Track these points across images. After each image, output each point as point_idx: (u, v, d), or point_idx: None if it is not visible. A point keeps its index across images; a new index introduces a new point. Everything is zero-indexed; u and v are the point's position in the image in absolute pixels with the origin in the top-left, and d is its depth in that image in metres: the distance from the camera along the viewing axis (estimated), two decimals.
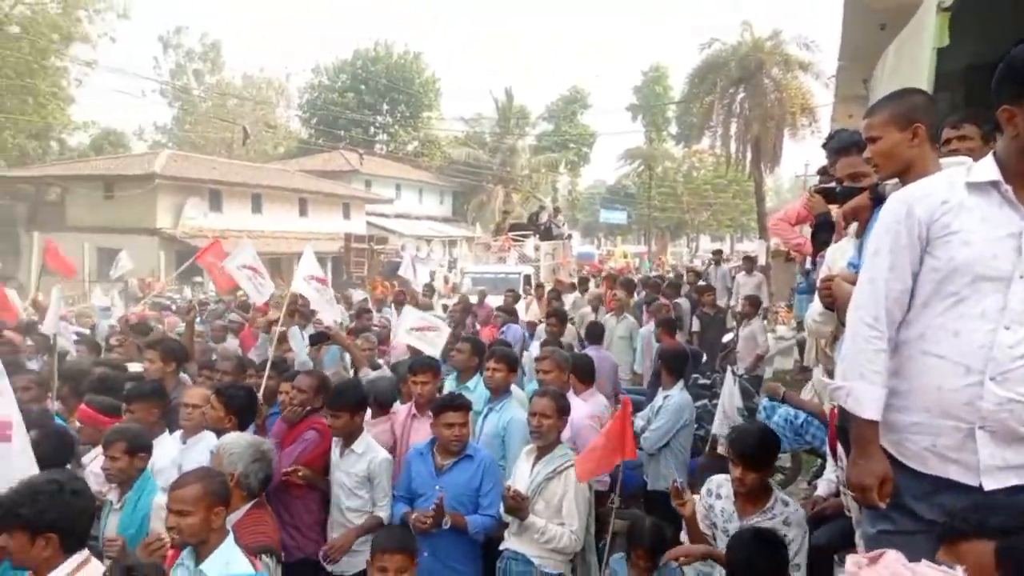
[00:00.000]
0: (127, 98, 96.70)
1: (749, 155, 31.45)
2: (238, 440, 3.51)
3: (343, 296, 13.07)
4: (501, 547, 3.90)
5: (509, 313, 9.49)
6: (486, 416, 4.67)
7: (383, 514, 3.99)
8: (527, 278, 17.94)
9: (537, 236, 22.32)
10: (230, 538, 2.89)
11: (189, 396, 4.28)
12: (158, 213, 25.32)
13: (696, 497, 3.54)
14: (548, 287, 14.90)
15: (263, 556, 3.15)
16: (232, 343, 8.44)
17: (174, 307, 14.45)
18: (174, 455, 4.05)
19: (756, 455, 3.30)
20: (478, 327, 9.63)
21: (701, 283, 12.81)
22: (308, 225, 30.75)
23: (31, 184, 27.56)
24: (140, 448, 3.59)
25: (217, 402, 4.04)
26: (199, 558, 2.80)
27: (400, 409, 4.82)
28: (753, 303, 9.63)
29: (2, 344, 6.63)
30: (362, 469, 4.01)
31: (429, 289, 14.29)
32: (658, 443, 5.20)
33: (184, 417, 4.18)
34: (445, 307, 13.85)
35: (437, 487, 3.90)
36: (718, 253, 18.66)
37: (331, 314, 6.86)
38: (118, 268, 15.72)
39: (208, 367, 5.73)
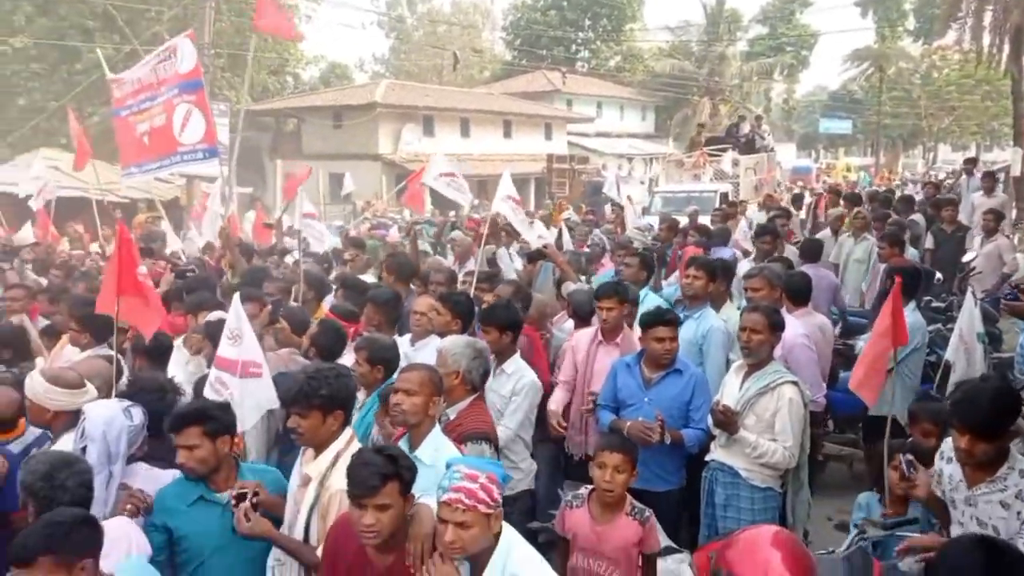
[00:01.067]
0: (349, 31, 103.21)
1: (1006, 49, 26.97)
2: (458, 341, 3.81)
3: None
4: (708, 458, 3.94)
5: (711, 235, 8.95)
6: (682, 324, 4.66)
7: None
8: (723, 196, 16.35)
9: (736, 150, 20.36)
10: (438, 427, 3.21)
11: (418, 304, 4.70)
12: (379, 139, 27.19)
13: (931, 471, 3.04)
14: (752, 204, 14.05)
15: (481, 442, 3.45)
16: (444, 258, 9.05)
17: (395, 226, 15.67)
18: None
19: (988, 423, 2.64)
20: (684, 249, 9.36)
21: (941, 196, 11.45)
22: (512, 147, 31.47)
23: (272, 116, 30.65)
24: (380, 360, 3.85)
25: (443, 308, 4.40)
26: (413, 446, 3.11)
27: (582, 335, 4.74)
28: (996, 216, 8.54)
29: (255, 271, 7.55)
30: (508, 390, 4.06)
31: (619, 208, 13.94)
32: None
33: (414, 323, 4.61)
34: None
35: (646, 399, 4.00)
36: (971, 162, 15.59)
37: (528, 233, 7.16)
38: (344, 189, 17.40)
39: (423, 279, 6.22)
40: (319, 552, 2.78)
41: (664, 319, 4.04)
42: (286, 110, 30.10)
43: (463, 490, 2.35)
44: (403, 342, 4.67)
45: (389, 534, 2.49)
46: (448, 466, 2.50)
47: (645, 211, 11.91)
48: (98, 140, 12.71)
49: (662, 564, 3.41)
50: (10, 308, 5.68)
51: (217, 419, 2.92)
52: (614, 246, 8.12)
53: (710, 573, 3.00)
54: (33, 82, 23.34)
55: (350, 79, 44.37)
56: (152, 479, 3.08)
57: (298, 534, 2.89)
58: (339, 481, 2.71)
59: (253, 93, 28.27)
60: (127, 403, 3.08)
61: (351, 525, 2.54)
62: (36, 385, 3.24)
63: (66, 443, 3.09)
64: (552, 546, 3.48)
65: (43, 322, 5.78)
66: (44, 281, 7.57)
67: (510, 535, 2.52)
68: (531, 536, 2.65)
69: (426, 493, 2.61)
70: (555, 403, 4.53)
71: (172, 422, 2.90)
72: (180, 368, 4.33)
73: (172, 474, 3.06)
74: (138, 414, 3.05)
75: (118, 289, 3.73)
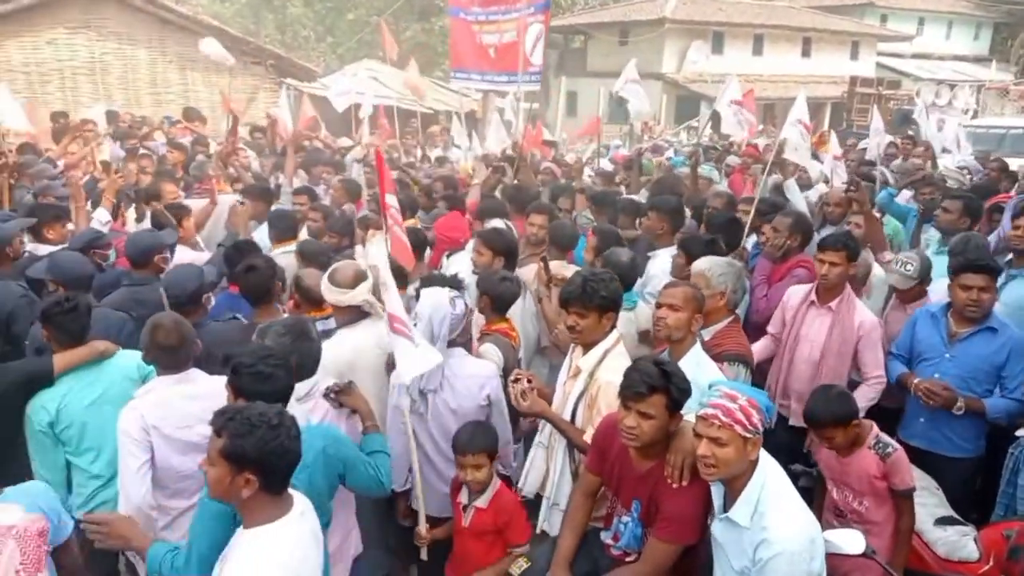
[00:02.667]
0: None
1: None
2: (720, 261, 3.76)
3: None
4: (1019, 433, 3.45)
5: None
6: (1005, 285, 4.03)
7: None
8: None
9: None
10: (698, 344, 3.24)
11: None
12: (664, 58, 26.46)
13: None
14: None
15: (738, 364, 3.42)
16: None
17: (671, 148, 15.31)
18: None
19: None
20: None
21: None
22: (810, 67, 28.78)
23: (560, 33, 31.15)
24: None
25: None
26: (673, 359, 3.12)
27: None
28: None
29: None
30: None
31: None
32: None
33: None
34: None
35: (947, 355, 3.59)
36: None
37: (809, 164, 6.59)
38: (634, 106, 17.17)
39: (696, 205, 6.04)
40: (586, 437, 2.97)
41: (976, 265, 3.54)
42: (575, 26, 30.35)
43: (720, 407, 2.37)
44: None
45: (649, 442, 2.57)
46: (710, 387, 2.50)
47: (945, 150, 10.09)
48: (409, 53, 13.91)
49: (941, 533, 3.14)
50: (336, 200, 6.54)
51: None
52: (916, 183, 7.10)
53: (1007, 551, 2.67)
54: None
55: None
56: None
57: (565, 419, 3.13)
58: (606, 374, 2.98)
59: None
60: (455, 294, 3.36)
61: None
62: (324, 285, 3.56)
63: (345, 336, 3.49)
64: (811, 493, 3.37)
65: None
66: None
67: (768, 465, 2.47)
68: (792, 479, 2.56)
69: (684, 409, 2.63)
70: (756, 352, 3.99)
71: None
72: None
73: None
74: (460, 304, 3.35)
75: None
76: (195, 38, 13.82)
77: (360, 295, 3.53)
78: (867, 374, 3.81)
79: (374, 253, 3.36)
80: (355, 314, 3.56)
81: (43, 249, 4.52)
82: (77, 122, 8.82)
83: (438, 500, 3.34)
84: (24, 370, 3.15)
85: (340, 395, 2.99)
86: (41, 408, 3.06)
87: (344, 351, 3.42)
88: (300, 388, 2.82)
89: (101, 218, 5.32)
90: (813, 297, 3.96)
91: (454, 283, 3.42)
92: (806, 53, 29.51)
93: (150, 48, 13.70)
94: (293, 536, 2.10)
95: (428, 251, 5.20)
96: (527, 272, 4.52)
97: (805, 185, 7.39)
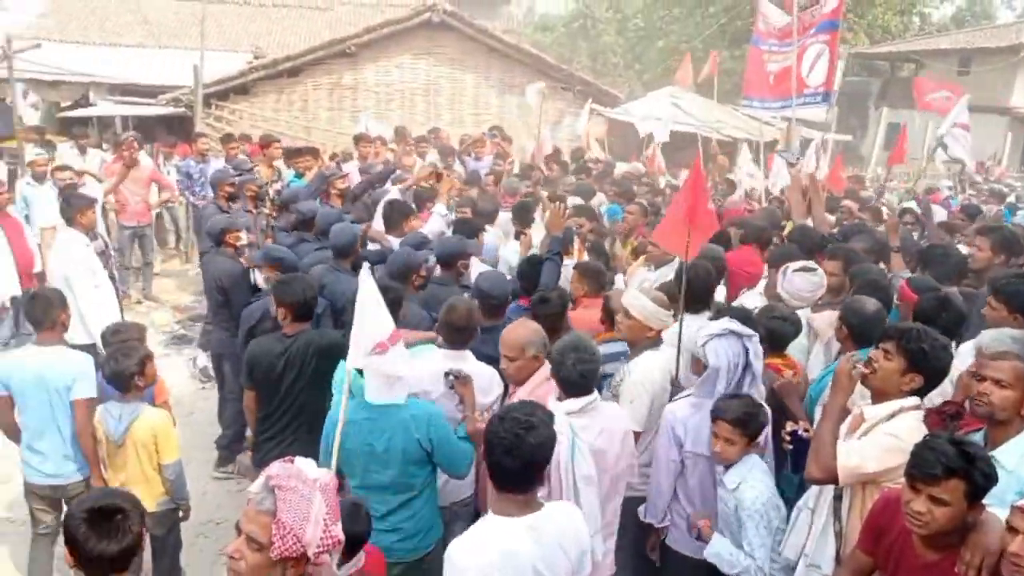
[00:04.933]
0: None
1: None
2: None
3: None
4: None
5: None
6: None
7: None
8: None
9: None
10: None
11: None
12: (1015, 90, 22.90)
13: None
14: None
15: None
16: None
17: (1012, 194, 13.15)
18: None
19: None
20: None
21: None
22: None
23: (886, 60, 28.45)
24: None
25: None
26: (991, 444, 2.72)
27: None
28: None
29: None
30: None
31: None
32: None
33: None
34: None
35: None
36: None
37: None
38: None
39: None
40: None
41: None
42: (906, 53, 27.54)
43: None
44: None
45: (939, 531, 2.25)
46: None
47: None
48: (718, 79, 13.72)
49: None
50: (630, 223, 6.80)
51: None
52: None
53: None
54: (672, 25, 26.26)
55: (990, 18, 37.92)
56: None
57: None
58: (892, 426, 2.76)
59: (872, 34, 26.58)
60: (747, 332, 3.36)
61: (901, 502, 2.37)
62: (646, 305, 3.66)
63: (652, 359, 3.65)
64: None
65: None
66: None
67: None
68: None
69: (999, 502, 2.26)
70: None
71: None
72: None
73: None
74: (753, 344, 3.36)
75: (689, 220, 3.91)
76: (515, 65, 15.09)
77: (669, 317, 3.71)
78: None
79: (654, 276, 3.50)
80: (658, 337, 3.72)
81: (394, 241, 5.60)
82: (413, 139, 10.13)
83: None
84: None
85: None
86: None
87: (658, 373, 3.63)
88: (573, 404, 3.03)
89: (440, 211, 6.19)
90: None
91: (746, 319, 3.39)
92: None
93: (476, 73, 15.19)
94: (509, 539, 2.26)
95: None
96: (822, 319, 4.21)
97: None
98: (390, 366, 2.91)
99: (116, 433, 3.69)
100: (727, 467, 3.15)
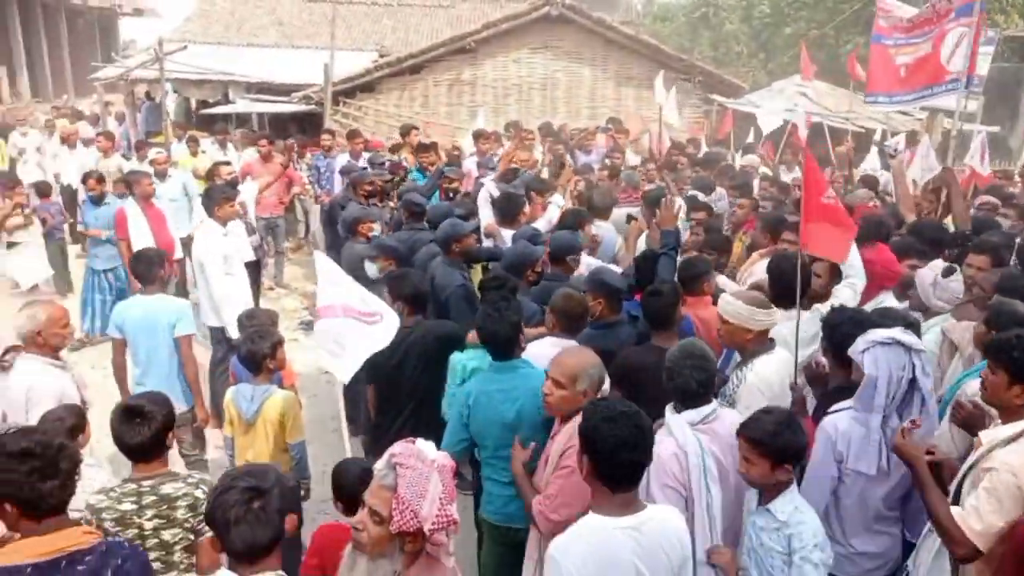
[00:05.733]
0: None
1: None
2: None
3: None
4: None
5: None
6: None
7: None
8: None
9: None
10: None
11: None
12: None
13: None
14: None
15: None
16: None
17: None
18: None
19: None
20: None
21: None
22: None
23: None
24: None
25: None
26: None
27: None
28: None
29: None
30: None
31: None
32: None
33: None
34: None
35: None
36: None
37: None
38: None
39: None
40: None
41: None
42: None
43: None
44: None
45: None
46: None
47: None
48: (846, 68, 12.97)
49: None
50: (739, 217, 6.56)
51: None
52: None
53: None
54: (802, 11, 25.01)
55: None
56: None
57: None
58: (1010, 456, 2.49)
59: None
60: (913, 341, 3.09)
61: None
62: (740, 309, 3.51)
63: (767, 363, 3.47)
64: None
65: None
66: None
67: None
68: None
69: None
70: None
71: None
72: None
73: None
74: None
75: (805, 216, 3.67)
76: (633, 56, 14.86)
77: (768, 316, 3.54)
78: None
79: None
80: (766, 339, 3.56)
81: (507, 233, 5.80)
82: (523, 132, 10.17)
83: None
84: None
85: None
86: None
87: (775, 377, 3.46)
88: (694, 415, 2.96)
89: (558, 203, 6.41)
90: None
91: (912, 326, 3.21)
92: None
93: (593, 66, 15.08)
94: (612, 539, 2.24)
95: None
96: (957, 328, 3.84)
97: None
98: (335, 335, 3.61)
99: (248, 413, 3.93)
100: (767, 496, 2.71)
